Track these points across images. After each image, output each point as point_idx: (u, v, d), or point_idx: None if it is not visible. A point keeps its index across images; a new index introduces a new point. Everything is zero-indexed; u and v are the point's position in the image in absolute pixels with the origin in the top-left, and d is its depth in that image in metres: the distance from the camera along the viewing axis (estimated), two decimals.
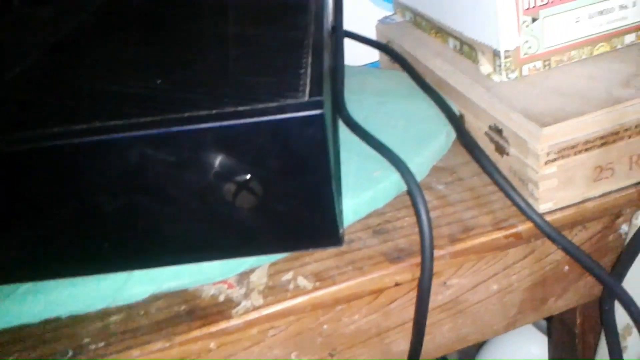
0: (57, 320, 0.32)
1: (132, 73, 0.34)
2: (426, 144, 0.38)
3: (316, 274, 0.32)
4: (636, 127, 0.34)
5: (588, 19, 0.37)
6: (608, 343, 0.39)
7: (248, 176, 0.29)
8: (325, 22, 0.40)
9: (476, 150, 0.36)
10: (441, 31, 0.44)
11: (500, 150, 0.37)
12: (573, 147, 0.33)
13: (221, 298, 0.32)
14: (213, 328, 0.31)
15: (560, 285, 0.39)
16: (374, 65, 0.53)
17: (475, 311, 0.37)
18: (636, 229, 0.36)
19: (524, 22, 0.36)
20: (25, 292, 0.31)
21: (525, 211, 0.33)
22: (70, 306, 0.32)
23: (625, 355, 0.39)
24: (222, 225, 0.30)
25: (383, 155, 0.35)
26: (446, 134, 0.39)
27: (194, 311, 0.31)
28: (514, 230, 0.34)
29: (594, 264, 0.34)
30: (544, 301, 0.39)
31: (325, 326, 0.34)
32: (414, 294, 0.34)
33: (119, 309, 0.32)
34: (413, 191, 0.32)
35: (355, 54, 0.51)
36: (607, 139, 0.34)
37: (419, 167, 0.37)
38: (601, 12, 0.37)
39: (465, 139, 0.37)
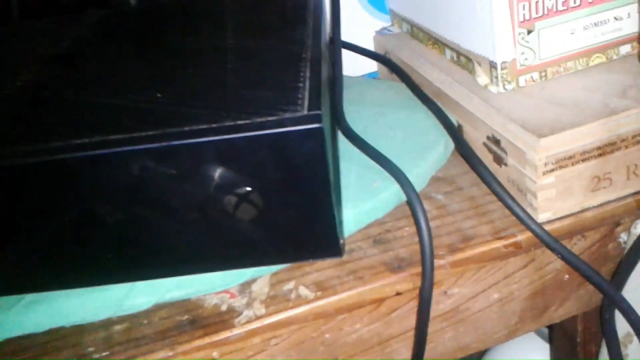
0: (61, 329, 0.32)
1: (132, 87, 0.34)
2: (425, 154, 0.38)
3: (317, 283, 0.33)
4: (633, 137, 0.34)
5: (583, 30, 0.38)
6: (609, 351, 0.39)
7: (248, 188, 0.29)
8: (323, 34, 0.40)
9: (474, 161, 0.36)
10: (438, 42, 0.45)
11: (499, 160, 0.37)
12: (570, 157, 0.33)
13: (223, 307, 0.32)
14: (215, 337, 0.31)
15: (561, 294, 0.39)
16: (372, 75, 0.53)
17: (476, 320, 0.37)
18: (635, 237, 0.36)
19: (519, 34, 0.36)
20: (29, 303, 0.32)
21: (525, 221, 0.34)
22: (74, 316, 0.32)
23: None
24: (223, 237, 0.31)
25: (382, 166, 0.35)
26: (444, 145, 0.39)
27: (197, 321, 0.32)
28: (513, 239, 0.34)
29: (593, 272, 0.34)
30: (544, 310, 0.39)
31: (326, 335, 0.34)
32: (414, 303, 0.34)
33: (122, 319, 0.32)
34: (413, 202, 0.33)
35: (353, 65, 0.52)
36: (604, 150, 0.34)
37: (418, 178, 0.37)
38: (596, 24, 0.38)
39: (463, 150, 0.38)
